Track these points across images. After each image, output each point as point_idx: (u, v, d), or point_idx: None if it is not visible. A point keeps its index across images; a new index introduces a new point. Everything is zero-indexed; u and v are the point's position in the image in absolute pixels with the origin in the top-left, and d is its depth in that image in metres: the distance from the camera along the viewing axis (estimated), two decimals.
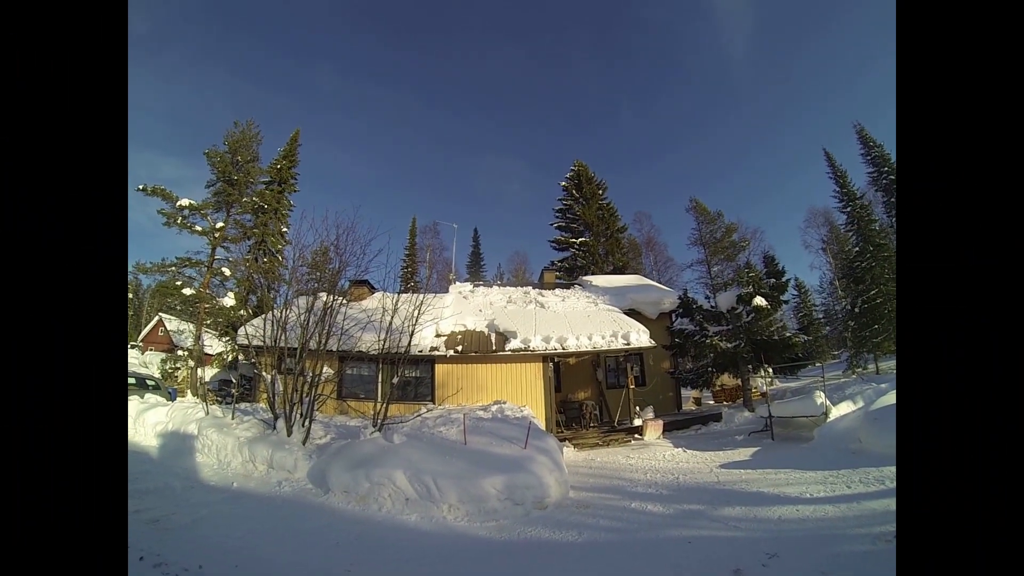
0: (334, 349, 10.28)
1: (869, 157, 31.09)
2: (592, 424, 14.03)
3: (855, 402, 9.73)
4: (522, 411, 10.75)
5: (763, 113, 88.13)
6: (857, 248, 24.03)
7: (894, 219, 28.52)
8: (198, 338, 19.57)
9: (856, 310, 22.19)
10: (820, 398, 10.07)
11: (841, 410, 9.59)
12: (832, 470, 6.91)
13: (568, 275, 27.98)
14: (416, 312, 10.69)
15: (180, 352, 23.21)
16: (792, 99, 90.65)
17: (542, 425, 10.91)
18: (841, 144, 43.20)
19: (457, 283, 18.95)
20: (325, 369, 9.71)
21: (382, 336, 10.46)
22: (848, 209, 25.94)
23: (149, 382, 13.21)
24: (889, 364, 21.05)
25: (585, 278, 21.45)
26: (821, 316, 39.03)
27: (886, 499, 5.41)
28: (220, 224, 20.18)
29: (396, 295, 11.41)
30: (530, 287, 19.21)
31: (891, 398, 8.79)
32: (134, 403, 10.04)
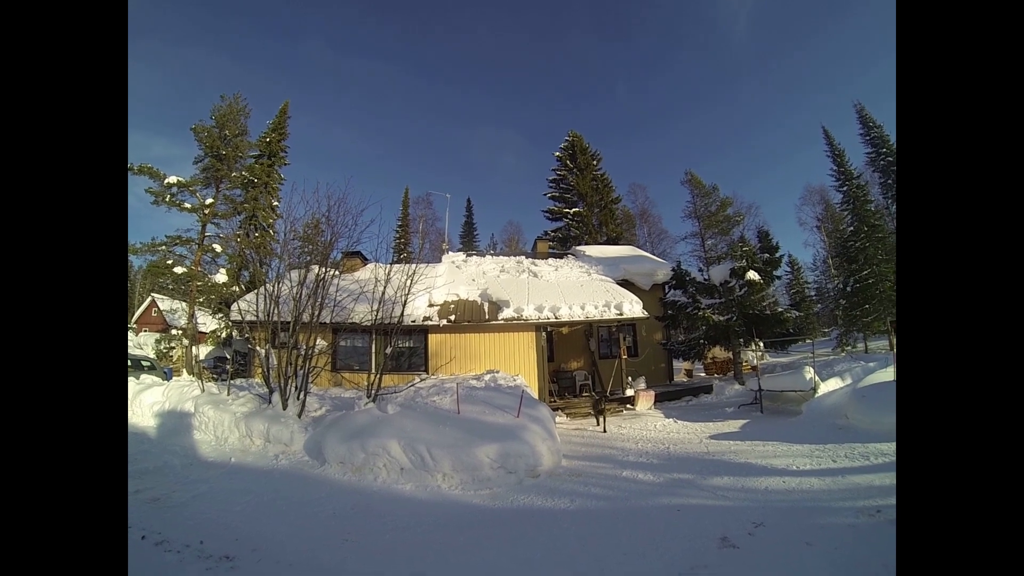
0: (327, 321, 10.20)
1: (868, 137, 30.94)
2: (584, 394, 14.20)
3: (843, 379, 9.89)
4: (515, 380, 10.81)
5: (762, 92, 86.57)
6: (852, 228, 24.07)
7: (890, 200, 28.63)
8: (191, 316, 19.53)
9: (848, 289, 22.35)
10: (809, 374, 10.23)
11: (829, 386, 9.76)
12: (819, 444, 7.06)
13: (561, 245, 27.94)
14: (409, 282, 10.66)
15: (174, 331, 23.23)
16: (793, 77, 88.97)
17: (535, 394, 10.99)
18: (840, 124, 42.88)
19: (450, 253, 18.86)
20: (319, 341, 9.67)
21: (375, 307, 10.42)
22: (844, 188, 25.94)
23: (144, 363, 13.18)
24: (878, 344, 21.34)
25: (578, 248, 21.39)
26: (813, 294, 39.40)
27: (870, 474, 5.55)
28: (210, 200, 20.00)
29: (389, 265, 11.35)
30: (523, 256, 19.12)
31: (879, 376, 8.94)
32: (130, 384, 10.03)
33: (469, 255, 19.17)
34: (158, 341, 21.73)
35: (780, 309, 15.91)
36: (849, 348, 22.50)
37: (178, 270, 18.84)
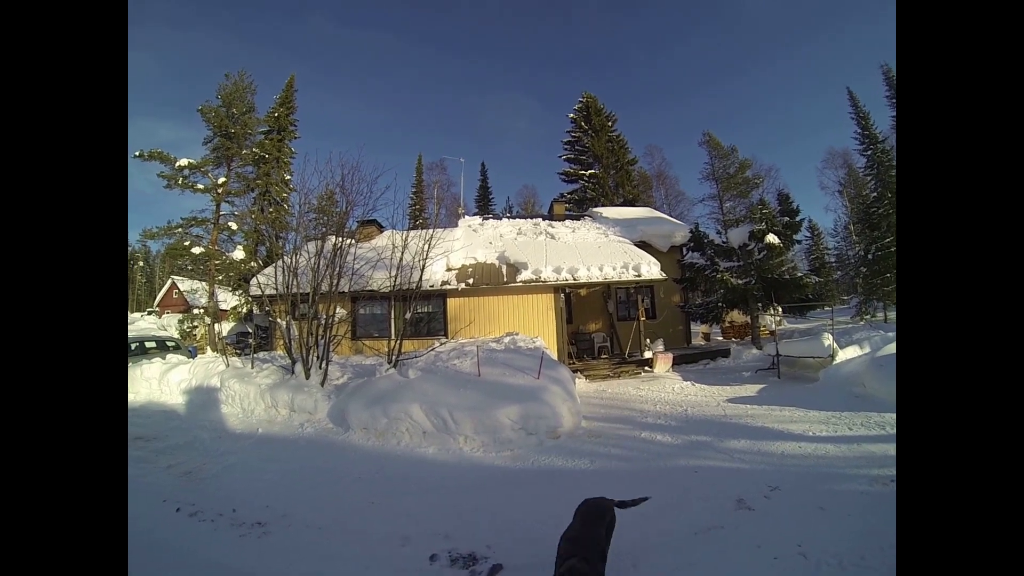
0: (346, 290, 10.32)
1: (894, 100, 29.57)
2: (603, 356, 14.32)
3: (862, 347, 9.73)
4: (534, 342, 10.88)
5: (786, 62, 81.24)
6: (875, 194, 23.29)
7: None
8: (212, 295, 19.87)
9: (869, 256, 21.78)
10: (827, 340, 10.10)
11: (847, 354, 9.63)
12: (835, 411, 7.06)
13: (578, 207, 27.63)
14: (426, 247, 10.65)
15: (196, 311, 23.71)
16: (818, 37, 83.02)
17: (554, 356, 11.06)
18: (867, 87, 40.58)
19: (466, 217, 18.78)
20: (338, 310, 9.81)
21: (393, 273, 10.46)
22: (869, 152, 25.01)
23: (169, 343, 13.53)
24: None
25: (595, 210, 21.15)
26: (833, 260, 38.59)
27: (886, 443, 5.53)
28: (222, 179, 20.08)
29: (405, 232, 11.34)
30: (540, 219, 18.99)
31: None
32: (157, 365, 10.35)
33: (485, 219, 19.08)
34: (181, 321, 22.18)
35: (799, 274, 15.76)
36: (869, 317, 22.15)
37: (196, 250, 19.08)
